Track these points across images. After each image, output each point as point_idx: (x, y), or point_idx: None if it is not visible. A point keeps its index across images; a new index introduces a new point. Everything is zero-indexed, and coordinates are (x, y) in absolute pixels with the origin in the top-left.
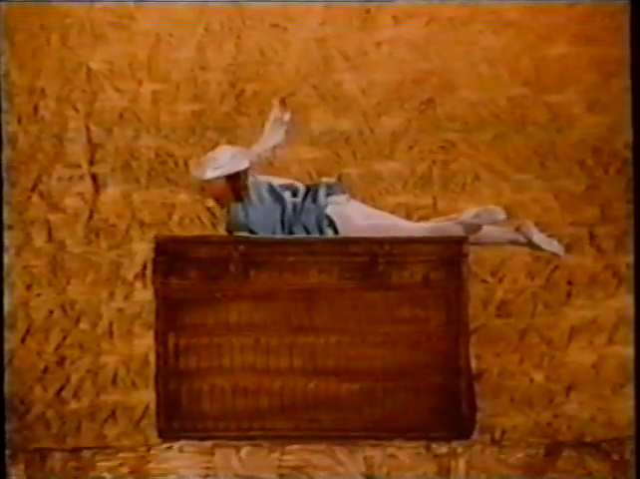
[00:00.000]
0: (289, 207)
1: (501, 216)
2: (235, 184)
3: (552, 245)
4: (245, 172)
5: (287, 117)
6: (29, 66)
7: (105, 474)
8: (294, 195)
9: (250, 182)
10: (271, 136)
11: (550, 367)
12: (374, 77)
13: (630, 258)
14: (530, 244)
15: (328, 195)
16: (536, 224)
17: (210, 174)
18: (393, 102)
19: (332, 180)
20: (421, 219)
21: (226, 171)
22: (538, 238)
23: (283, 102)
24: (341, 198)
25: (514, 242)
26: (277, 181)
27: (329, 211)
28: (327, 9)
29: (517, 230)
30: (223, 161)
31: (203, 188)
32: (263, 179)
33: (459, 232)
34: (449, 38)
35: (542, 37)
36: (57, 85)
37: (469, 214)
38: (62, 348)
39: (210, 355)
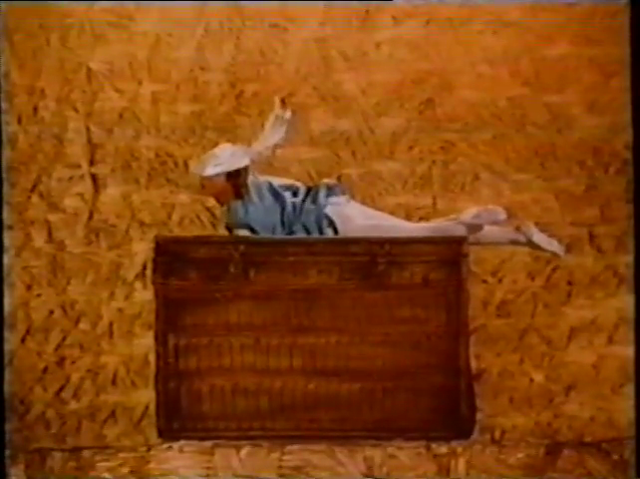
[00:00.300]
0: (289, 206)
1: (502, 215)
2: (235, 181)
3: (552, 245)
4: (246, 169)
5: (288, 115)
6: (29, 66)
7: (105, 474)
8: (294, 195)
9: (251, 181)
10: (272, 134)
11: (550, 367)
12: (374, 77)
13: (630, 259)
14: (530, 244)
15: (328, 195)
16: (536, 224)
17: (211, 170)
18: (393, 102)
19: (332, 181)
20: (421, 219)
21: (227, 168)
22: (538, 237)
23: (283, 101)
24: (341, 198)
25: (514, 242)
26: (277, 181)
27: (329, 211)
28: (327, 9)
29: (517, 229)
30: (224, 158)
31: (203, 185)
32: (263, 178)
33: (460, 232)
34: (448, 38)
35: (542, 37)
36: (57, 85)
37: (469, 214)
38: (62, 348)
39: (210, 355)
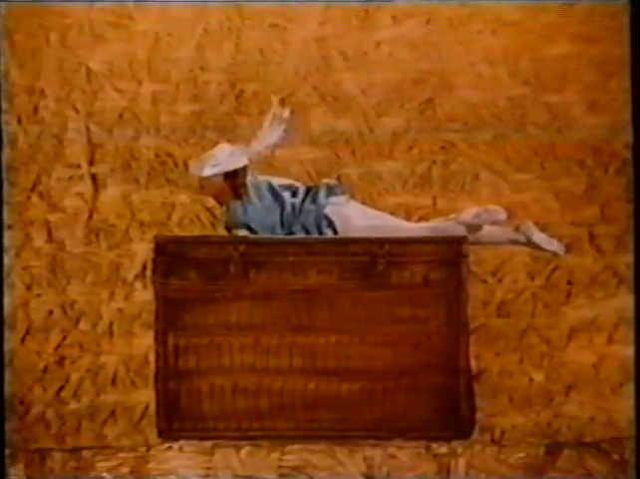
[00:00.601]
0: (288, 207)
1: (502, 215)
2: (233, 181)
3: (552, 245)
4: (244, 169)
5: (286, 114)
6: (29, 66)
7: (104, 474)
8: (294, 195)
9: (250, 180)
10: (270, 134)
11: (550, 367)
12: (373, 77)
13: (630, 258)
14: (530, 244)
15: (328, 196)
16: (536, 224)
17: (208, 171)
18: (392, 102)
19: (333, 181)
20: (421, 219)
21: (224, 168)
22: (538, 237)
23: (282, 101)
24: (341, 198)
25: (514, 242)
26: (277, 181)
27: (328, 211)
28: (326, 9)
29: (517, 229)
30: (221, 158)
31: (202, 185)
32: (263, 178)
33: (460, 232)
34: (448, 38)
35: (542, 37)
36: (56, 85)
37: (469, 214)
38: (62, 348)
39: (210, 355)
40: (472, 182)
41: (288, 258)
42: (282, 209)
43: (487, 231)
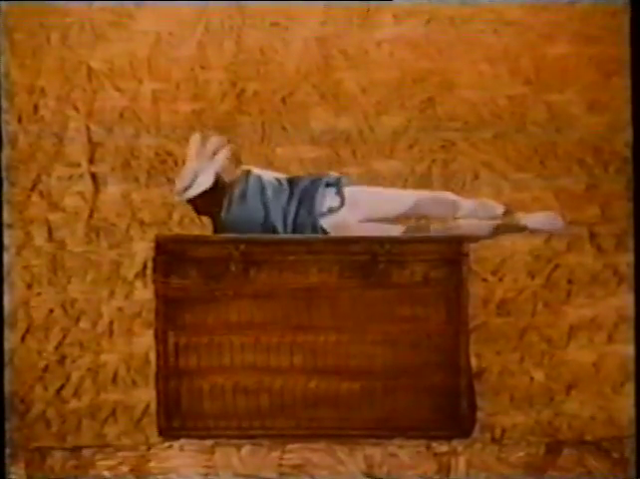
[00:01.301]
0: (274, 211)
1: (499, 209)
2: (197, 203)
3: (548, 223)
4: (209, 189)
5: (212, 147)
6: (29, 65)
7: (105, 473)
8: (292, 192)
9: (239, 181)
10: (203, 173)
11: (551, 366)
12: (374, 76)
13: (630, 257)
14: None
15: (327, 186)
16: None
17: (177, 198)
18: (393, 101)
19: (331, 177)
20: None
21: (188, 195)
22: (533, 222)
23: (205, 137)
24: (335, 201)
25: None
26: (274, 175)
27: (324, 223)
28: (327, 8)
29: (508, 227)
30: (179, 188)
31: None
32: (256, 175)
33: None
34: (449, 37)
35: (543, 36)
36: (57, 84)
37: (466, 209)
38: (62, 347)
39: (211, 354)
40: (472, 181)
41: (289, 257)
42: (266, 213)
43: (483, 225)
